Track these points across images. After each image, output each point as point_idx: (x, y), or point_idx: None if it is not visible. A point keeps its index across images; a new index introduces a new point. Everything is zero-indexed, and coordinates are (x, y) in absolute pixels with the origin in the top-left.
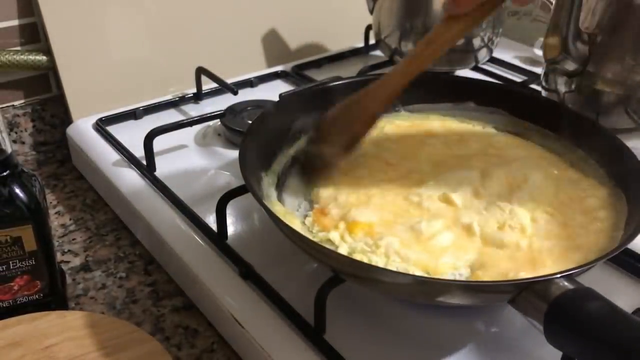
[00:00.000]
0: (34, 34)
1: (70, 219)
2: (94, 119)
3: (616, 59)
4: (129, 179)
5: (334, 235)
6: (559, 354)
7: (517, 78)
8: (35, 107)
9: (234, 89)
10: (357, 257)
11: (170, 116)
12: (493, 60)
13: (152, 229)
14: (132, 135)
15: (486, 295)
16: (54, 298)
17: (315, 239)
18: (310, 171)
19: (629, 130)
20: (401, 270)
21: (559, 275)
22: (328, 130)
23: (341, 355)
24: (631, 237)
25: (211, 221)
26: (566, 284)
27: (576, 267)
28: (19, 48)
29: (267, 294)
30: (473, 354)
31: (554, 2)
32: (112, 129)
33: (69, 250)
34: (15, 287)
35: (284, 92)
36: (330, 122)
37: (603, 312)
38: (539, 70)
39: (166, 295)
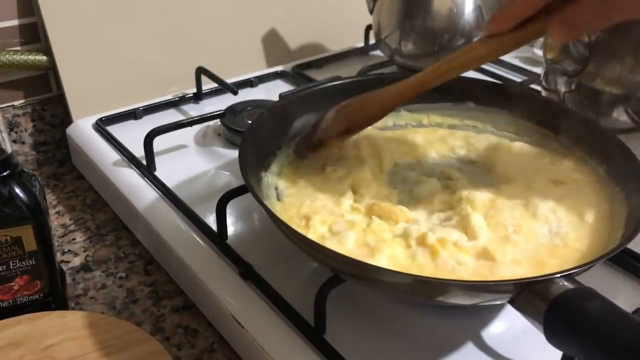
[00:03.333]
0: (34, 34)
1: (70, 219)
2: (94, 119)
3: (616, 58)
4: (129, 179)
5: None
6: (559, 354)
7: (517, 78)
8: (35, 107)
9: (234, 89)
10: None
11: (170, 116)
12: (493, 60)
13: (152, 229)
14: (132, 135)
15: (486, 295)
16: (54, 298)
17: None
18: (305, 148)
19: (629, 130)
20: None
21: (558, 275)
22: (332, 117)
23: (341, 355)
24: (631, 237)
25: (211, 221)
26: (566, 283)
27: (576, 267)
28: (19, 48)
29: (267, 294)
30: (472, 354)
31: None
32: (112, 129)
33: (69, 250)
34: (15, 287)
35: (284, 92)
36: (336, 111)
37: (603, 312)
38: (539, 70)
39: (166, 295)
